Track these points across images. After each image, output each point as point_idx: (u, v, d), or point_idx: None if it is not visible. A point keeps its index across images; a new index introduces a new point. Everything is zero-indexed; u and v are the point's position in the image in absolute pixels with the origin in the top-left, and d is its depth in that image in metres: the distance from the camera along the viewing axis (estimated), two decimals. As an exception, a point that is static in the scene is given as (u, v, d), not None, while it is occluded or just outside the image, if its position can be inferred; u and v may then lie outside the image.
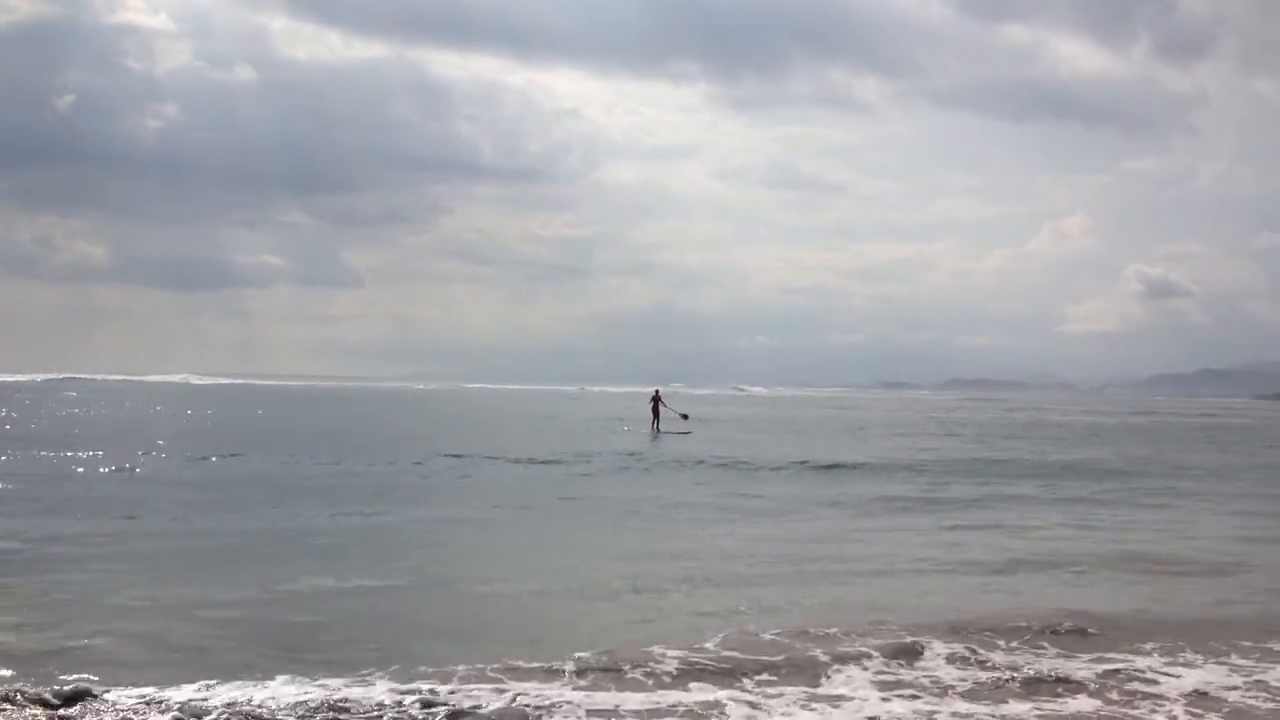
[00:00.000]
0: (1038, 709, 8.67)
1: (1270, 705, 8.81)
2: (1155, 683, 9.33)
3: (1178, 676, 9.45)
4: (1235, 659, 10.13)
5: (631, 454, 32.00)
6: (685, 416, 45.11)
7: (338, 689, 8.63)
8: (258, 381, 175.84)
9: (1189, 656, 10.10)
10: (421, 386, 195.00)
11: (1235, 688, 9.20)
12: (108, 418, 52.46)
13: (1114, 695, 8.98)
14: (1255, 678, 9.54)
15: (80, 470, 25.03)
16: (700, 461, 30.42)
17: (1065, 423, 69.49)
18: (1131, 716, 8.48)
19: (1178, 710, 8.61)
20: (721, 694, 8.83)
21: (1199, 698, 8.90)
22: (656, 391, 47.90)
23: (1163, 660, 9.97)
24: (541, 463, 28.89)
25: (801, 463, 30.25)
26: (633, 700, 8.59)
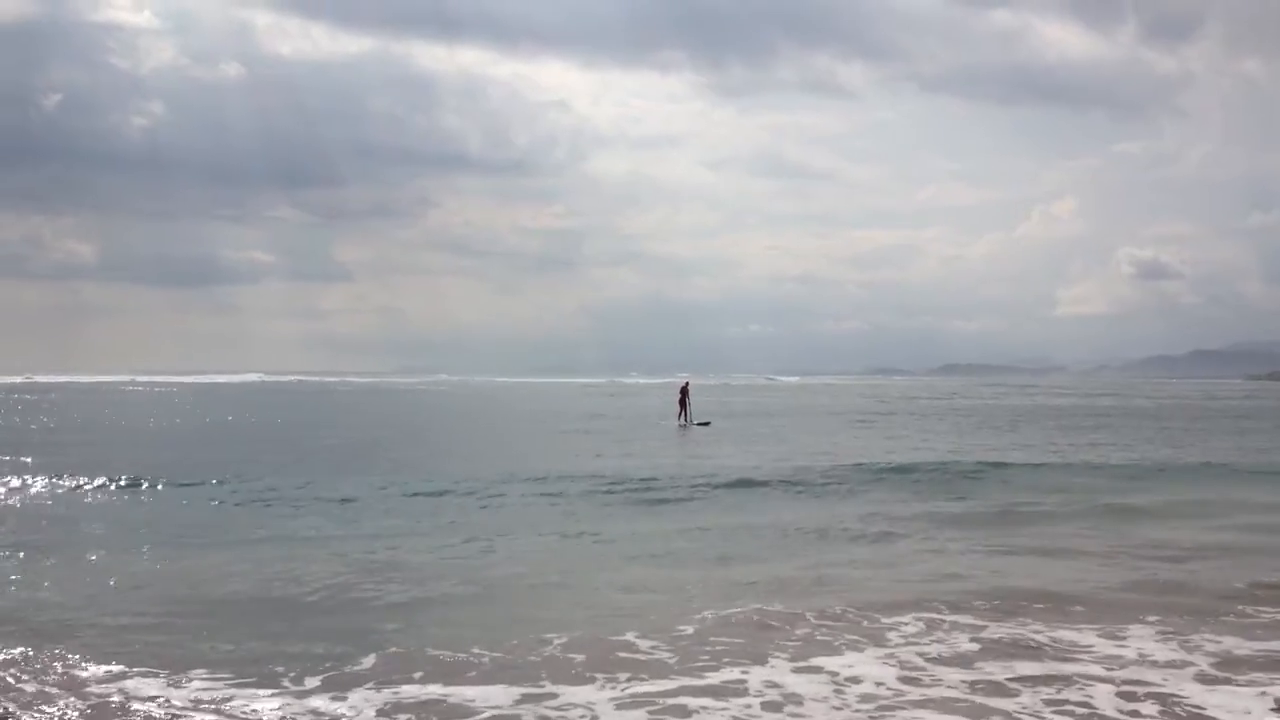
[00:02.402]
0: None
1: None
2: None
3: None
4: None
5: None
6: (706, 423, 44.60)
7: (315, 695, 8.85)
8: (253, 378, 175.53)
9: None
10: (414, 380, 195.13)
11: None
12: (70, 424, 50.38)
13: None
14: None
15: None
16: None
17: (1104, 408, 69.10)
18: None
19: None
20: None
21: None
22: (686, 383, 48.18)
23: None
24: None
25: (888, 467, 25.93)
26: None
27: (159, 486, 21.56)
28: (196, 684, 8.82)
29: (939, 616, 11.12)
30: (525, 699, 8.58)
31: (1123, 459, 29.54)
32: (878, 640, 10.25)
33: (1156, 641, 10.20)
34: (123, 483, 21.81)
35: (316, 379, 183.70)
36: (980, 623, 10.86)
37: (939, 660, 9.58)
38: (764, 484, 22.62)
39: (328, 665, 9.35)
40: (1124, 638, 10.33)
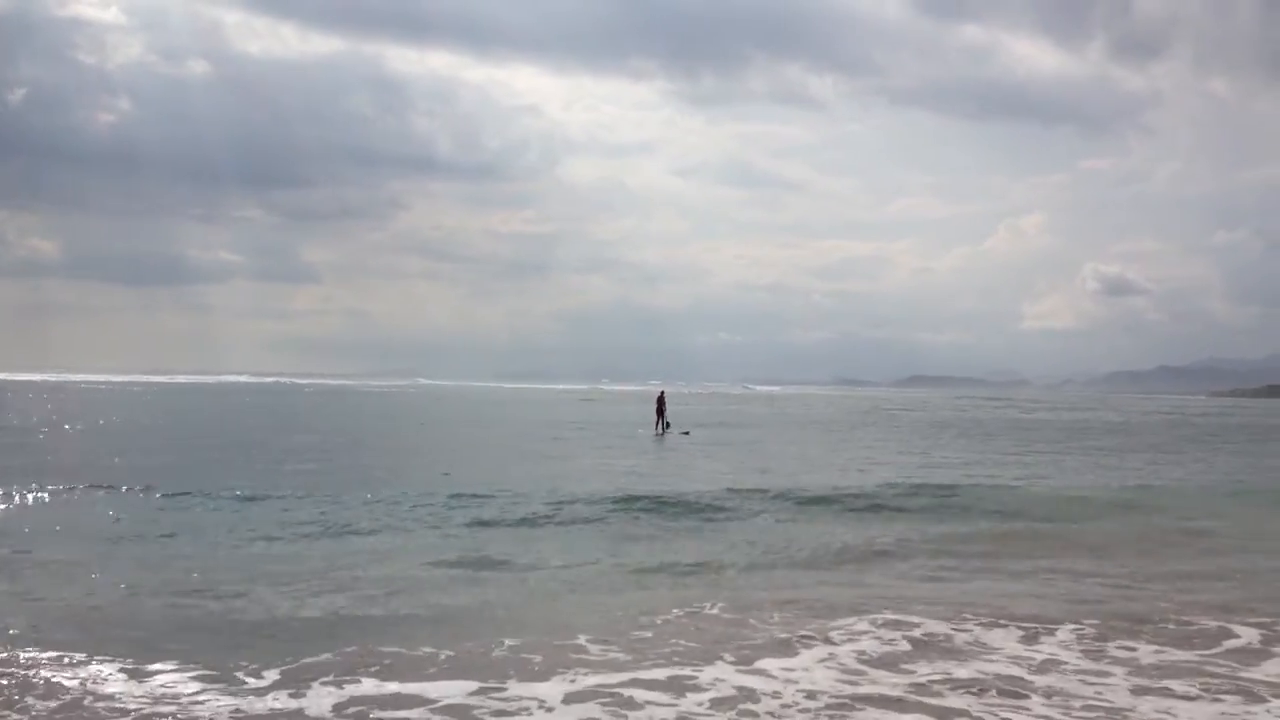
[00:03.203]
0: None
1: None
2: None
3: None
4: None
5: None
6: (686, 433, 45.26)
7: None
8: (237, 379, 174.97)
9: None
10: (391, 384, 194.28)
11: None
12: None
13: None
14: None
15: None
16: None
17: (1083, 422, 69.82)
18: None
19: None
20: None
21: None
22: (662, 393, 49.01)
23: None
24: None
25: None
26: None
27: (161, 493, 21.47)
28: (157, 680, 9.00)
29: (891, 618, 11.52)
30: (480, 692, 8.85)
31: (1100, 480, 28.89)
32: (829, 641, 10.62)
33: (1078, 652, 10.67)
34: (107, 488, 21.83)
35: (304, 381, 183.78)
36: (922, 619, 11.27)
37: (877, 663, 9.96)
38: (746, 499, 22.09)
39: (287, 661, 9.56)
40: (1053, 648, 10.78)
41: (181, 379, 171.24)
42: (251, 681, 9.05)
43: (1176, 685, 9.39)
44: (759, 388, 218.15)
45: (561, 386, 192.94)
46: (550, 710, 8.54)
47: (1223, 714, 8.67)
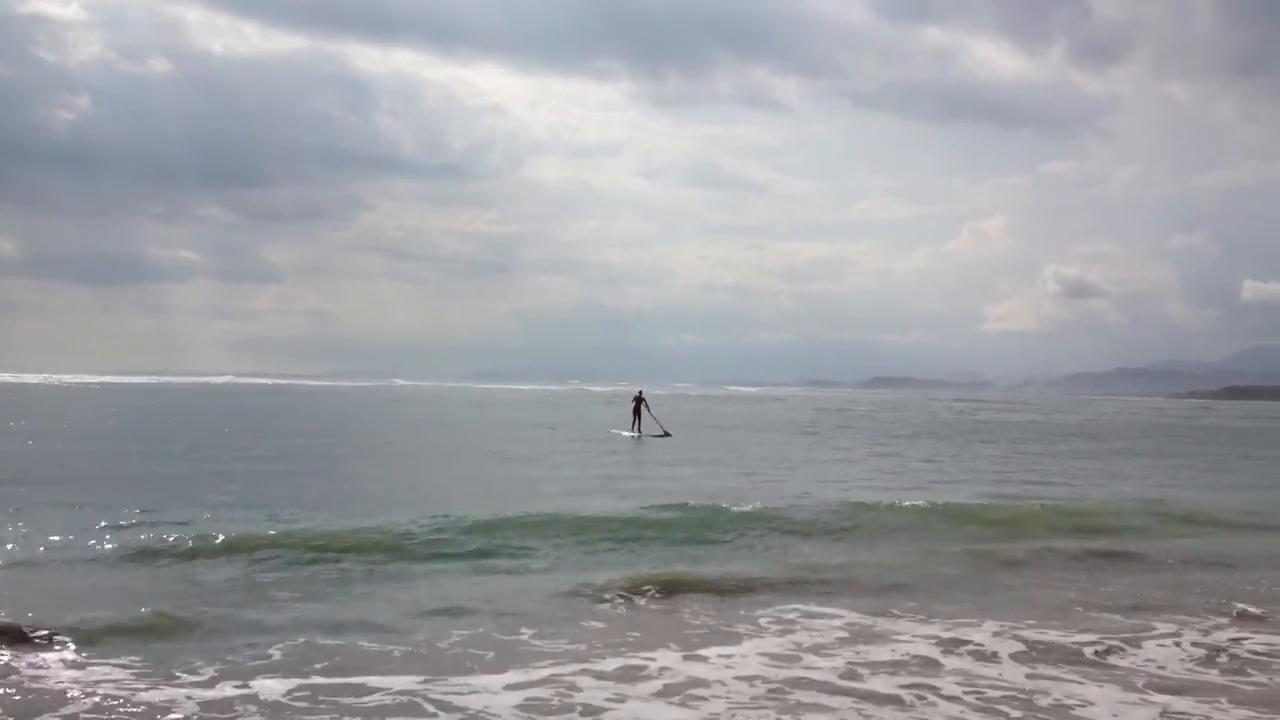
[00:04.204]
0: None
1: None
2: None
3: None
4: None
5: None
6: (668, 434, 44.00)
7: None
8: (190, 379, 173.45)
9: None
10: (353, 384, 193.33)
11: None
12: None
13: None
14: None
15: None
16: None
17: (1071, 425, 71.14)
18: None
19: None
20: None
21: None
22: (640, 392, 47.47)
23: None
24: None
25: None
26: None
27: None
28: (102, 674, 9.24)
29: (818, 609, 12.46)
30: (428, 682, 9.20)
31: (1090, 488, 27.48)
32: (766, 633, 11.38)
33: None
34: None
35: (285, 382, 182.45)
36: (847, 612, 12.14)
37: (811, 650, 10.74)
38: (732, 504, 20.55)
39: (230, 660, 9.75)
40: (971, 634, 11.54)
41: (141, 380, 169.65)
42: (195, 675, 9.29)
43: (1066, 672, 10.18)
44: (733, 388, 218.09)
45: (529, 387, 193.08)
46: (495, 694, 8.96)
47: (1116, 701, 9.38)
